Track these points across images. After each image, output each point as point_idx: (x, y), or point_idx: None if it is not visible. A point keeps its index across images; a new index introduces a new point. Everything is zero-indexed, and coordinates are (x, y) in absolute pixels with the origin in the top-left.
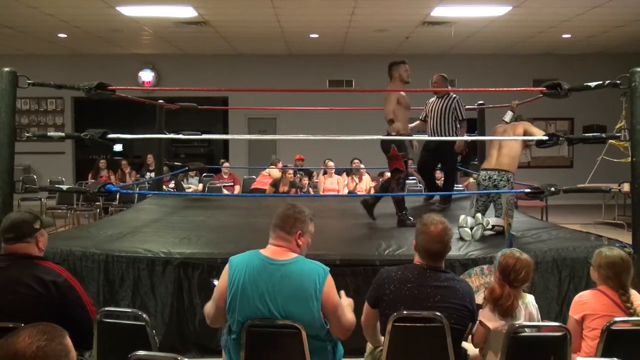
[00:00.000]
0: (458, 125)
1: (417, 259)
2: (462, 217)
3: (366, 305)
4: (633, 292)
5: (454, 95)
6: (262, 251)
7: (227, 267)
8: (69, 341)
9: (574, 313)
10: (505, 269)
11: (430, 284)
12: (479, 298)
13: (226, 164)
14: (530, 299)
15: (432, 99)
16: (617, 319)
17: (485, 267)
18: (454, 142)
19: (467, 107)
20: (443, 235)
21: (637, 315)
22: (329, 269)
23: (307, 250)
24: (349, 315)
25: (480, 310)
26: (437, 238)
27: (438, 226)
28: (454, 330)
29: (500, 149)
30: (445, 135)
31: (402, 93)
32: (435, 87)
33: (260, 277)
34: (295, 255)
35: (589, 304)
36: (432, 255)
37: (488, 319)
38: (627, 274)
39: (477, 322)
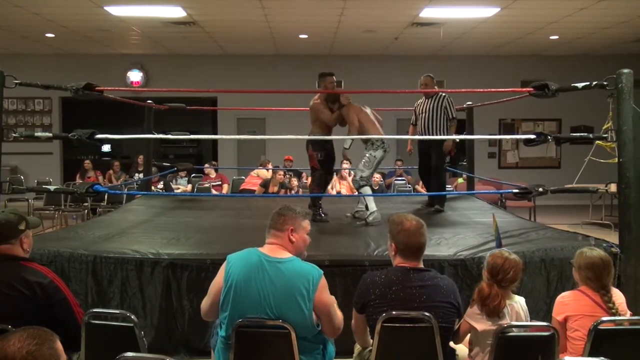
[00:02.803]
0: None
1: (398, 261)
2: None
3: (354, 311)
4: (614, 291)
5: (444, 94)
6: (259, 249)
7: (224, 263)
8: (59, 345)
9: (557, 314)
10: (493, 269)
11: (415, 285)
12: None
13: (207, 165)
14: (519, 300)
15: (421, 100)
16: (603, 318)
17: None
18: (443, 141)
19: (456, 107)
20: (420, 227)
21: (620, 315)
22: (322, 271)
23: (307, 248)
24: (338, 312)
25: (468, 308)
26: (416, 231)
27: (412, 221)
28: (441, 329)
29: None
30: (436, 135)
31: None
32: (424, 89)
33: (256, 272)
34: (290, 255)
35: (570, 305)
36: (415, 250)
37: (474, 318)
38: (607, 274)
39: (462, 320)
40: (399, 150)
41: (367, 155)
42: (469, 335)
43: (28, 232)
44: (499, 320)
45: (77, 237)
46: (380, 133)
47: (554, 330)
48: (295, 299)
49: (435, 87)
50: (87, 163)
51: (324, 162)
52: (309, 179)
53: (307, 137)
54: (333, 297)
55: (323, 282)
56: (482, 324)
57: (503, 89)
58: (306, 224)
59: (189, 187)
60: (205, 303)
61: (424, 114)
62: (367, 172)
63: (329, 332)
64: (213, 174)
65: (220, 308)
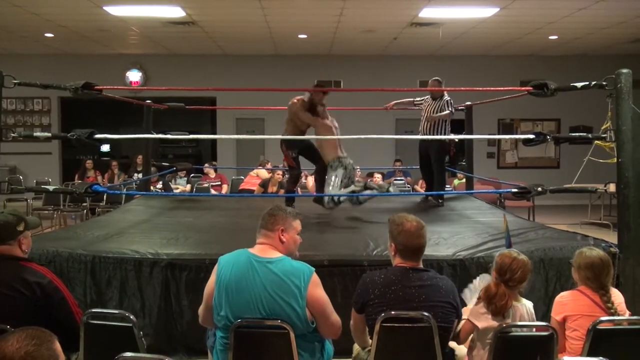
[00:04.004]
0: (448, 127)
1: (397, 261)
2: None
3: (353, 311)
4: (614, 291)
5: (446, 97)
6: (249, 249)
7: (216, 265)
8: (57, 346)
9: (555, 314)
10: (501, 269)
11: (414, 284)
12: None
13: (206, 164)
14: (526, 303)
15: (428, 98)
16: (602, 318)
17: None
18: (444, 142)
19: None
20: (420, 228)
21: (618, 315)
22: (314, 269)
23: (297, 249)
24: (335, 314)
25: (472, 307)
26: (416, 233)
27: (413, 222)
28: (440, 329)
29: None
30: (436, 134)
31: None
32: (430, 89)
33: (245, 273)
34: (280, 254)
35: (569, 305)
36: (414, 251)
37: (477, 317)
38: (606, 275)
39: (465, 319)
40: (397, 150)
41: (333, 177)
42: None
43: (27, 233)
44: (502, 320)
45: (76, 237)
46: (337, 153)
47: (553, 330)
48: (286, 297)
49: (443, 87)
50: (89, 163)
51: (297, 160)
52: (308, 178)
53: (307, 137)
54: (327, 297)
55: (315, 278)
56: (484, 322)
57: (502, 88)
58: (297, 224)
59: (188, 187)
60: (201, 309)
61: (427, 114)
62: (334, 191)
63: (326, 331)
64: (212, 174)
65: (214, 309)
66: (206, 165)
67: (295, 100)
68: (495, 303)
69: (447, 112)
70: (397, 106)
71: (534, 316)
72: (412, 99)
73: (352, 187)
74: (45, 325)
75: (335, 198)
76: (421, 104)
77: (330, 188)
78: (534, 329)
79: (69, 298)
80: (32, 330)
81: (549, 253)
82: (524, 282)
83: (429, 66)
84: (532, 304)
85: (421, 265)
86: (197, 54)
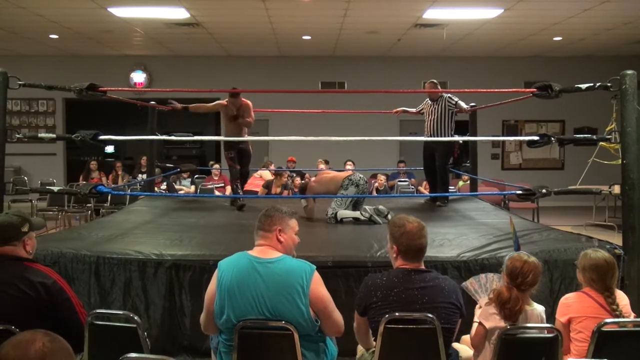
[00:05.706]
0: (453, 127)
1: (399, 263)
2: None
3: (356, 313)
4: (618, 293)
5: (445, 96)
6: (249, 252)
7: (216, 271)
8: (70, 350)
9: (560, 316)
10: (512, 272)
11: (416, 286)
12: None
13: (216, 165)
14: (538, 307)
15: (427, 101)
16: (607, 320)
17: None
18: (449, 142)
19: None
20: (422, 229)
21: (623, 317)
22: (315, 266)
23: (296, 248)
24: (337, 311)
25: (481, 308)
26: (418, 233)
27: (414, 224)
28: (444, 330)
29: None
30: (443, 136)
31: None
32: (428, 93)
33: (247, 276)
34: (280, 254)
35: (574, 307)
36: (417, 252)
37: (487, 319)
38: (611, 276)
39: (477, 323)
40: (401, 152)
41: (340, 193)
42: (472, 331)
43: (31, 234)
44: (513, 324)
45: (81, 238)
46: (344, 174)
47: (558, 332)
48: (290, 296)
49: (439, 88)
50: (94, 164)
51: (235, 159)
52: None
53: (307, 138)
54: (329, 295)
55: (317, 276)
56: (492, 322)
57: (506, 90)
58: (294, 223)
59: (192, 188)
60: (202, 316)
61: (430, 116)
62: (340, 210)
63: (329, 328)
64: (217, 176)
65: (217, 315)
66: (216, 166)
67: (223, 101)
68: (508, 308)
69: (465, 106)
70: (403, 113)
71: (545, 321)
72: (417, 111)
73: (358, 215)
74: (50, 325)
75: (338, 216)
76: (422, 110)
77: (334, 204)
78: (545, 332)
79: (73, 299)
80: (53, 336)
81: (553, 255)
82: (536, 285)
83: (433, 67)
84: (543, 308)
85: (423, 266)
86: (201, 55)
